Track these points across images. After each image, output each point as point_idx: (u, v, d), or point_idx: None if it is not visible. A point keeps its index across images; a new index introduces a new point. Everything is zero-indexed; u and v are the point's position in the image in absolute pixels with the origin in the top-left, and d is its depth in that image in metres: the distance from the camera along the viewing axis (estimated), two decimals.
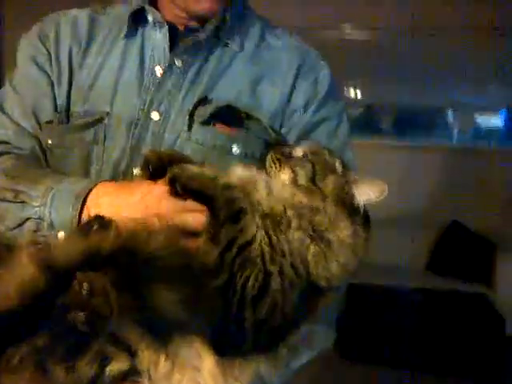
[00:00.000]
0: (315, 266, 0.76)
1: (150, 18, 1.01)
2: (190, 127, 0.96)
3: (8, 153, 0.99)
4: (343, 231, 0.78)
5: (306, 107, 1.02)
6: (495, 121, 4.23)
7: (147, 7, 1.01)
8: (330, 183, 0.81)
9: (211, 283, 0.70)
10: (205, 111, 0.96)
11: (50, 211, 0.84)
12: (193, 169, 0.79)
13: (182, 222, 0.76)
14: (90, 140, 0.98)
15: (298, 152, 0.85)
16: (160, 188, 0.79)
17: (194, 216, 0.76)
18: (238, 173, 0.83)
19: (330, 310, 0.82)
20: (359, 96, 4.19)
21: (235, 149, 0.96)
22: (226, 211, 0.74)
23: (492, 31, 3.75)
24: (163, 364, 0.68)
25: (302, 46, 1.08)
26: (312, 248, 0.76)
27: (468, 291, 3.30)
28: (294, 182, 0.81)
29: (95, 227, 0.73)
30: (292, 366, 0.90)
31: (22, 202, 0.86)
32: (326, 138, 1.02)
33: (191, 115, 0.96)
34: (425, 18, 3.80)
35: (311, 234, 0.76)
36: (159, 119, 0.97)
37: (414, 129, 4.38)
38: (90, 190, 0.83)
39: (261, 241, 0.74)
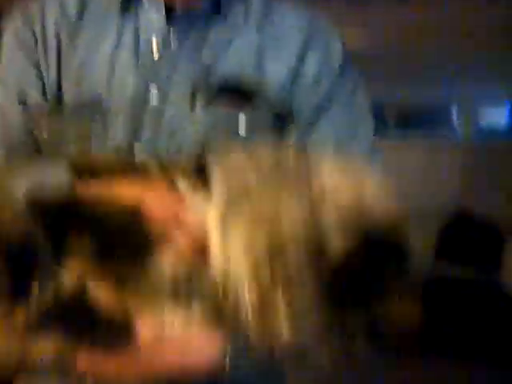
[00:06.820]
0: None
1: None
2: (191, 108, 0.89)
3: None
4: None
5: (317, 79, 0.94)
6: (499, 115, 4.25)
7: None
8: None
9: None
10: (206, 89, 0.89)
11: None
12: None
13: None
14: (86, 130, 0.90)
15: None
16: None
17: None
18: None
19: None
20: None
21: (242, 127, 0.89)
22: None
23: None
24: None
25: (310, 19, 1.00)
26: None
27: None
28: None
29: None
30: None
31: None
32: (341, 111, 0.94)
33: (192, 95, 0.89)
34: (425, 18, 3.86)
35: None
36: (158, 101, 0.90)
37: (417, 126, 4.38)
38: None
39: None
